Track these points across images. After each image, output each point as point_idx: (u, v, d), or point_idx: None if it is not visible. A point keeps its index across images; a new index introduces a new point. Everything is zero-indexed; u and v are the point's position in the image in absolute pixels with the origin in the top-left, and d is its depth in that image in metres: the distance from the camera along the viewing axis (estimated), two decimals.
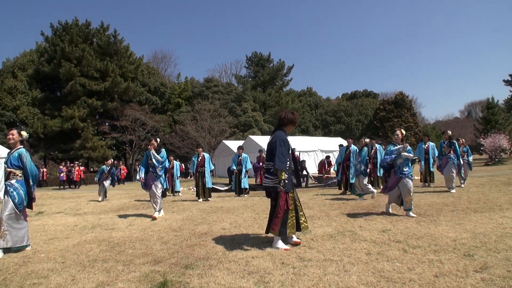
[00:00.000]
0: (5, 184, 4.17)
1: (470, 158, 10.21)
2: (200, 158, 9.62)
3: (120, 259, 3.63)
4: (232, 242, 4.19)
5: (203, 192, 9.43)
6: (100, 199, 10.55)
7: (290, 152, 3.95)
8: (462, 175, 8.96)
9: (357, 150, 9.35)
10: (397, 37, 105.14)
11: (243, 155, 10.42)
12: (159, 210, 6.58)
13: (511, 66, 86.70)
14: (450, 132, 8.57)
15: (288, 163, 3.85)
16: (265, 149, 4.39)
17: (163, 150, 6.74)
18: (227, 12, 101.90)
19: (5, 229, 4.06)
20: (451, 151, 8.31)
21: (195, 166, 9.59)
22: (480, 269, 2.84)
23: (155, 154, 6.57)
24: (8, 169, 4.17)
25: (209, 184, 9.49)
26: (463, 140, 11.03)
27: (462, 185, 8.95)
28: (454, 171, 8.15)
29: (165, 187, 10.18)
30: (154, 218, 6.30)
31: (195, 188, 10.30)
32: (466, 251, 3.34)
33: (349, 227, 4.71)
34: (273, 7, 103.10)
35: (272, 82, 44.78)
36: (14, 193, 4.13)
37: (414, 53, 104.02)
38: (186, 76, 43.55)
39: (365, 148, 8.11)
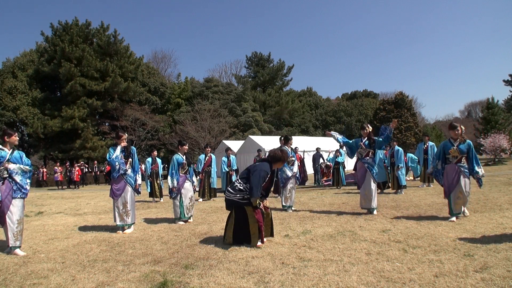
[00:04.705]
0: (9, 182, 4.02)
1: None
2: (207, 158, 9.65)
3: (120, 259, 3.63)
4: None
5: (209, 192, 9.49)
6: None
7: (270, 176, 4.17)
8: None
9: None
10: (397, 37, 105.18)
11: (232, 156, 10.62)
12: (131, 224, 5.26)
13: (511, 66, 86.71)
14: (370, 128, 6.07)
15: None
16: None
17: (133, 147, 5.79)
18: (227, 12, 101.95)
19: (23, 228, 4.14)
20: (370, 154, 5.96)
21: (202, 166, 9.59)
22: (480, 269, 2.84)
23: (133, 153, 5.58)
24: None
25: (214, 185, 9.58)
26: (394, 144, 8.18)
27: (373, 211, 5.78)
28: (373, 185, 5.79)
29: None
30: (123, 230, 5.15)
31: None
32: (466, 251, 3.34)
33: (349, 227, 4.71)
34: (274, 7, 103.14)
35: (272, 82, 44.72)
36: (24, 191, 4.15)
37: (414, 53, 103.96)
38: (186, 76, 43.46)
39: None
